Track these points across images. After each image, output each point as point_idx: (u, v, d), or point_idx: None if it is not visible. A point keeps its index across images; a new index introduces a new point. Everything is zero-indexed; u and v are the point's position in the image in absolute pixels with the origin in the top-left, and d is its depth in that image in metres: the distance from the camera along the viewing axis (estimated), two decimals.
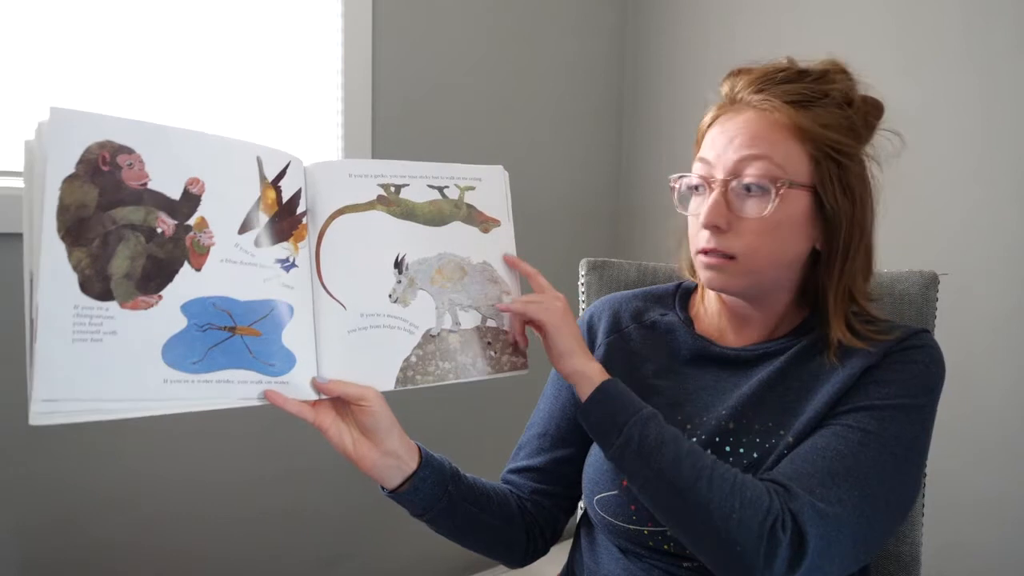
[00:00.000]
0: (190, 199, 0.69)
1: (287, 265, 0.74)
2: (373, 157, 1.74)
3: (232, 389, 0.70)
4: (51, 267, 0.62)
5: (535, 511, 0.93)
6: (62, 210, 0.62)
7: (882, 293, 1.03)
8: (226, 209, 0.71)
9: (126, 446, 1.44)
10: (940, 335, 0.94)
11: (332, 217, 0.78)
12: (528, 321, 0.83)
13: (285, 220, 0.75)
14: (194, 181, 0.69)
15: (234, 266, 0.71)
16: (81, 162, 0.63)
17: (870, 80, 0.87)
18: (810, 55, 0.87)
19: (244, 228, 0.72)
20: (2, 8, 1.27)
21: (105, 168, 0.64)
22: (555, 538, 0.96)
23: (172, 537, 1.51)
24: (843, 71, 0.85)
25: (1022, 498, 1.53)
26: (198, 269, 0.69)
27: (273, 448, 1.62)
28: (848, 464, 0.75)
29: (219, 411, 1.60)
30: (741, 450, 0.81)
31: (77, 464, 1.39)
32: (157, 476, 1.48)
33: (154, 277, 0.67)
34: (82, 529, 1.40)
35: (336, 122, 1.69)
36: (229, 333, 0.70)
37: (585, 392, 0.80)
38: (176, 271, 0.68)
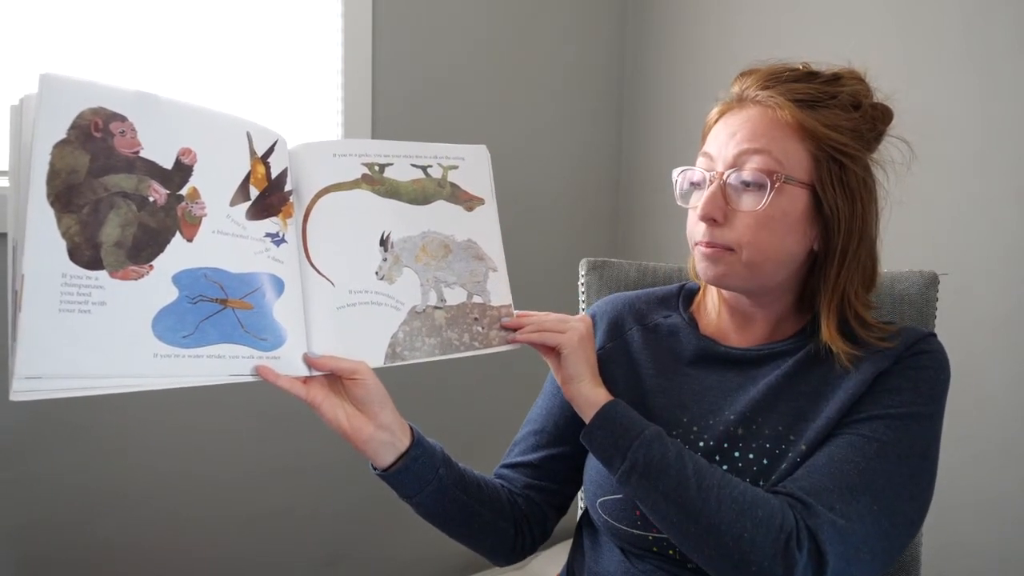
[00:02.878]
0: (182, 169, 0.68)
1: (277, 240, 0.74)
2: None
3: (224, 365, 0.69)
4: (38, 233, 0.60)
5: (526, 507, 0.93)
6: (52, 175, 0.61)
7: (882, 293, 1.03)
8: (218, 181, 0.70)
9: (126, 445, 1.44)
10: (940, 335, 0.93)
11: (317, 196, 0.79)
12: (543, 344, 0.84)
13: (274, 195, 0.75)
14: (186, 151, 0.68)
15: (226, 238, 0.71)
16: (73, 128, 0.62)
17: (887, 89, 0.86)
18: (819, 58, 0.87)
19: (235, 200, 0.72)
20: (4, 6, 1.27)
21: (97, 135, 0.63)
22: (544, 537, 0.96)
23: (171, 537, 1.51)
24: (857, 77, 0.85)
25: (1022, 498, 1.53)
26: (190, 240, 0.68)
27: (273, 448, 1.62)
28: (866, 478, 0.74)
29: (218, 410, 1.61)
30: (751, 456, 0.81)
31: (76, 464, 1.39)
32: (156, 476, 1.48)
33: (145, 246, 0.65)
34: (81, 529, 1.40)
35: (336, 122, 1.69)
36: (221, 306, 0.69)
37: (588, 416, 0.81)
38: (168, 241, 0.67)
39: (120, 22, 1.39)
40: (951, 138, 1.59)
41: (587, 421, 0.81)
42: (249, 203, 0.73)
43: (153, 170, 0.66)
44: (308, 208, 0.78)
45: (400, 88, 1.77)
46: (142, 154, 0.66)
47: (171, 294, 0.67)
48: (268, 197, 0.74)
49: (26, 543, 1.35)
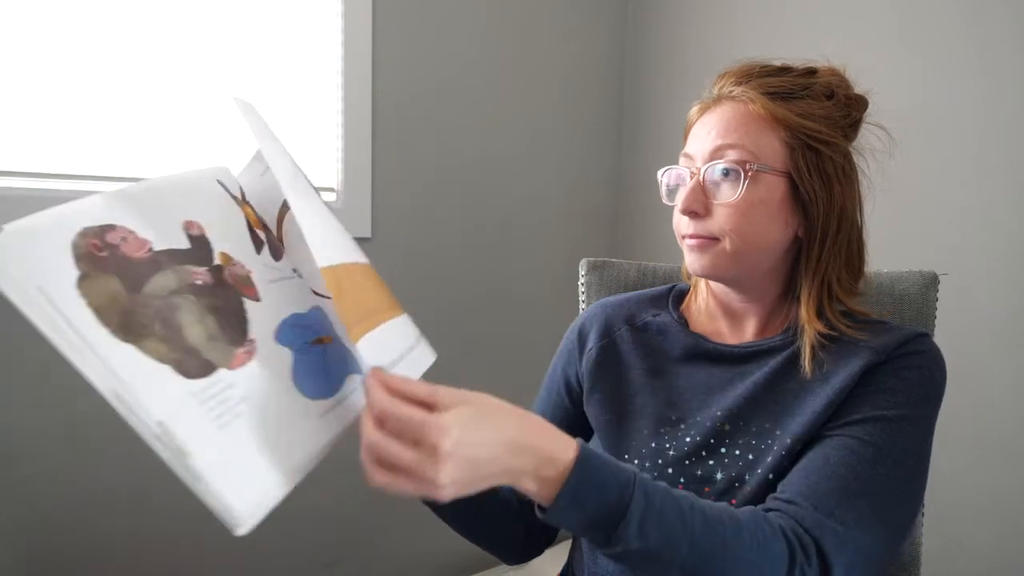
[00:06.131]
0: (199, 242, 0.63)
1: (298, 273, 0.71)
2: (373, 157, 1.75)
3: (359, 396, 0.65)
4: (136, 374, 0.53)
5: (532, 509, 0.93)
6: (101, 312, 0.54)
7: (882, 293, 1.03)
8: (232, 237, 0.65)
9: (126, 446, 1.44)
10: (940, 335, 0.93)
11: (280, 217, 0.73)
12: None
13: (272, 232, 0.72)
14: (190, 224, 0.63)
15: (275, 285, 0.66)
16: (80, 259, 0.54)
17: (868, 85, 0.87)
18: (811, 56, 0.88)
19: (257, 248, 0.67)
20: (6, 6, 1.27)
21: (104, 253, 0.56)
22: (552, 538, 0.96)
23: (172, 537, 1.51)
24: (833, 71, 0.87)
25: (1022, 498, 1.53)
26: (257, 299, 0.63)
27: None
28: (863, 483, 0.75)
29: None
30: (737, 452, 0.81)
31: (76, 464, 1.39)
32: (156, 475, 1.48)
33: (229, 325, 0.60)
34: (81, 529, 1.41)
35: (336, 122, 1.69)
36: (320, 346, 0.65)
37: (543, 498, 0.64)
38: (244, 309, 0.62)
39: (119, 22, 1.39)
40: (951, 138, 1.59)
41: (542, 503, 0.65)
42: (265, 245, 0.68)
43: (177, 256, 0.60)
44: (278, 232, 0.73)
45: (400, 89, 1.77)
46: (156, 248, 0.59)
47: (286, 355, 0.62)
48: (271, 236, 0.71)
49: (27, 542, 1.36)
